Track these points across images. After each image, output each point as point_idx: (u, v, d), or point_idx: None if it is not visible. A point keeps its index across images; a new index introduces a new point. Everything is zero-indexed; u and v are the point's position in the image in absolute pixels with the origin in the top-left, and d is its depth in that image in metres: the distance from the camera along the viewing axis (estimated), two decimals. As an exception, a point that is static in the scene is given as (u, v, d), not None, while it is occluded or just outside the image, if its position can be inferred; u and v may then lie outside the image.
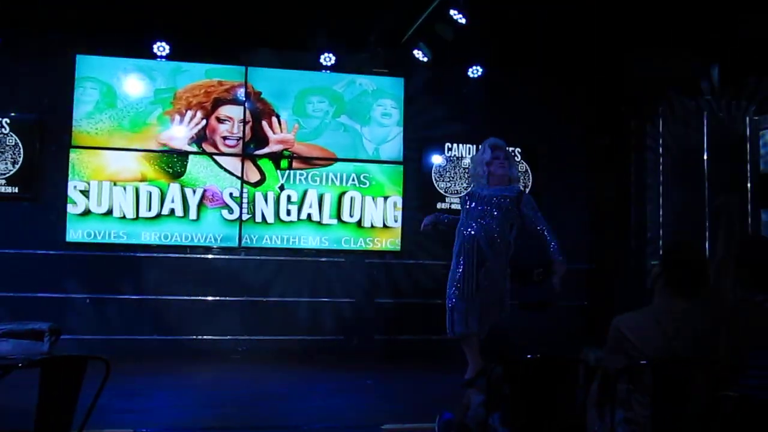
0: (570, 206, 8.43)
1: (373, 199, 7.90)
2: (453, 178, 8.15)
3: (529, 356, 3.12)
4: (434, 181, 8.10)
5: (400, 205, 7.97)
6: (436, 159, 8.15)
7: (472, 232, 5.71)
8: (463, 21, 6.76)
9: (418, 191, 8.12)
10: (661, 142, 7.68)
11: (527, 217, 5.72)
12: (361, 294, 7.93)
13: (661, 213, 7.66)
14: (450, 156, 8.18)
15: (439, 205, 8.07)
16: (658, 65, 7.22)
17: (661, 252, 7.32)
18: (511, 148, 8.21)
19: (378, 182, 7.94)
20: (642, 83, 7.56)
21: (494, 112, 8.21)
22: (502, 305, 5.72)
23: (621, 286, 7.88)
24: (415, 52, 7.57)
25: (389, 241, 7.93)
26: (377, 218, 7.91)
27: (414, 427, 4.66)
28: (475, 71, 7.99)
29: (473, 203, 5.85)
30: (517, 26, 7.16)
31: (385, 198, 7.92)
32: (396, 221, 7.96)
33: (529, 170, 8.30)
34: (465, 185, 8.19)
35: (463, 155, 8.21)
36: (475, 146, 8.21)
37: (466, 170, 8.18)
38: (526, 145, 8.32)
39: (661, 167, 7.69)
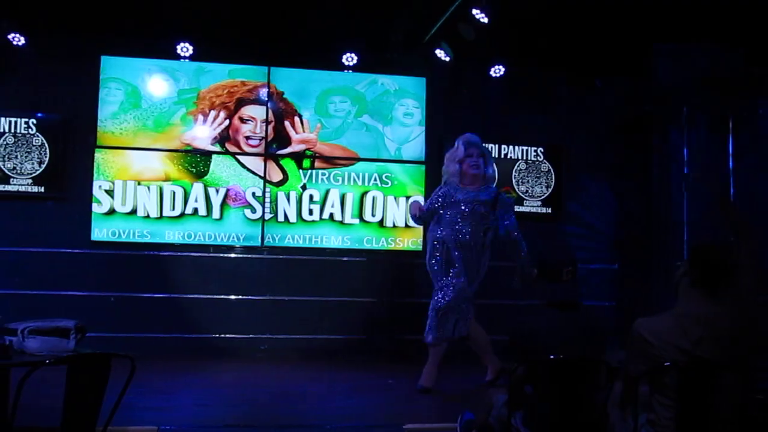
0: (595, 206, 8.40)
1: (395, 198, 7.90)
2: (475, 177, 8.12)
3: (551, 356, 3.12)
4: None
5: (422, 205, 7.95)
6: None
7: (444, 240, 5.80)
8: (486, 20, 6.74)
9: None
10: (687, 140, 7.62)
11: (501, 221, 5.83)
12: (382, 293, 7.94)
13: (686, 212, 7.60)
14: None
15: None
16: (685, 64, 7.16)
17: (687, 252, 7.27)
18: (534, 148, 8.26)
19: (400, 182, 7.94)
20: (669, 81, 7.49)
21: (516, 112, 8.20)
22: (467, 311, 5.82)
23: (647, 286, 7.82)
24: (437, 51, 7.57)
25: (411, 241, 7.93)
26: (399, 218, 7.91)
27: (435, 426, 4.65)
28: (497, 71, 7.97)
29: (446, 208, 5.88)
30: (540, 25, 7.13)
31: (407, 198, 7.92)
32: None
33: (551, 170, 8.26)
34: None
35: (486, 155, 8.18)
36: (497, 146, 8.20)
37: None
38: (549, 145, 8.29)
39: (686, 166, 7.63)
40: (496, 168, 6.31)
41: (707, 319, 2.95)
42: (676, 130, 7.73)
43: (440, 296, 5.80)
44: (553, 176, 8.28)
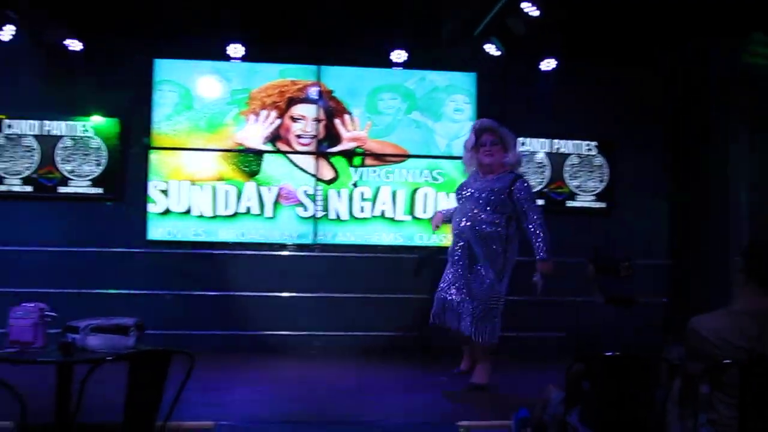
0: (648, 200, 8.26)
1: (447, 194, 7.86)
2: (526, 173, 8.04)
3: (609, 353, 3.07)
4: (508, 177, 8.01)
5: (473, 201, 7.92)
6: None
7: (462, 231, 5.61)
8: (536, 13, 6.67)
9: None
10: (745, 132, 7.43)
11: (517, 207, 5.56)
12: (433, 291, 7.90)
13: (744, 206, 7.42)
14: (524, 151, 8.09)
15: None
16: (743, 53, 6.99)
17: (743, 246, 7.10)
18: (587, 142, 8.15)
19: (451, 178, 7.90)
20: (726, 73, 7.32)
21: (568, 106, 8.09)
22: (495, 307, 5.61)
23: (703, 282, 7.66)
24: (487, 46, 7.51)
25: (463, 237, 7.89)
26: (450, 214, 7.88)
27: (490, 424, 4.63)
28: (548, 64, 7.87)
29: (463, 198, 5.71)
30: (592, 17, 7.03)
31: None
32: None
33: (605, 164, 8.14)
34: (539, 181, 8.09)
35: (537, 149, 8.11)
36: (549, 141, 8.12)
37: (540, 165, 8.09)
38: (602, 139, 8.17)
39: (744, 159, 7.45)
40: (519, 152, 5.96)
41: (764, 316, 2.87)
42: (735, 119, 7.54)
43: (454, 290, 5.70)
44: (607, 170, 8.15)
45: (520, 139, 8.03)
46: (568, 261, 7.83)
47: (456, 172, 7.91)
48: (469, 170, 5.88)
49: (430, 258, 7.92)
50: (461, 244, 5.62)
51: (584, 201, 8.11)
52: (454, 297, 5.67)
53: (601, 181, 8.13)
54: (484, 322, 5.58)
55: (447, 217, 6.09)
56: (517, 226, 5.66)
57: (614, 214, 8.15)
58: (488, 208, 5.52)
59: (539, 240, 5.50)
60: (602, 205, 8.13)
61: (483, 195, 5.56)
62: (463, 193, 5.72)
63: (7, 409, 3.09)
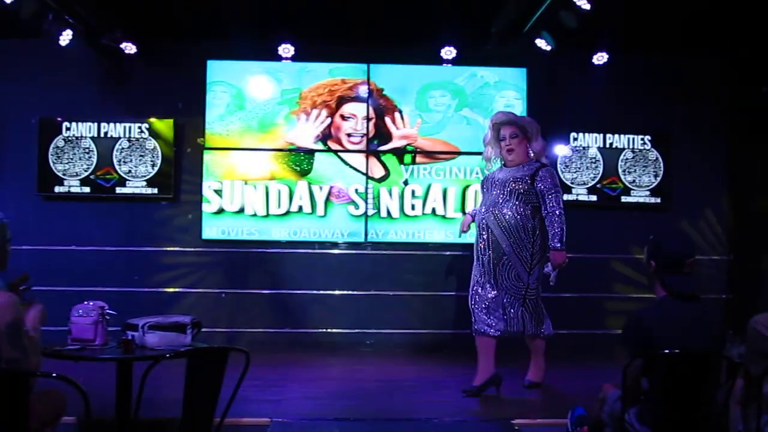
0: (707, 194, 8.08)
1: (497, 192, 7.80)
2: (579, 168, 7.96)
3: (667, 351, 3.02)
4: (560, 172, 7.92)
5: (524, 197, 7.85)
6: (562, 149, 7.98)
7: (486, 223, 5.41)
8: (588, 7, 6.57)
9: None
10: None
11: (540, 196, 5.35)
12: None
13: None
14: (576, 146, 7.99)
15: (565, 197, 7.86)
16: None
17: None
18: (641, 136, 8.00)
19: (502, 175, 7.84)
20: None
21: (621, 100, 7.98)
22: (527, 300, 5.39)
23: (764, 279, 7.47)
24: (538, 41, 7.42)
25: (515, 234, 7.82)
26: (502, 211, 7.82)
27: (545, 422, 4.58)
28: (600, 58, 7.75)
29: (488, 189, 5.52)
30: (644, 9, 6.90)
31: (510, 190, 7.81)
32: (521, 214, 7.83)
33: (660, 158, 7.98)
34: (592, 176, 7.98)
35: (590, 145, 8.00)
36: (602, 135, 8.00)
37: (593, 160, 7.97)
38: (657, 133, 8.02)
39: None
40: (543, 141, 5.65)
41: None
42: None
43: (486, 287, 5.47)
44: (662, 165, 8.00)
45: (572, 135, 7.96)
46: (624, 257, 7.77)
47: (507, 169, 7.85)
48: (490, 165, 5.73)
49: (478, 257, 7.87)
50: (485, 236, 5.44)
51: (639, 196, 7.97)
52: (489, 295, 5.42)
53: (656, 176, 7.98)
54: (534, 314, 5.46)
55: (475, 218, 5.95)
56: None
57: (670, 209, 7.99)
58: (513, 199, 5.36)
59: (554, 229, 5.30)
60: (657, 200, 7.98)
61: (507, 185, 5.40)
62: (487, 184, 5.57)
63: (70, 405, 3.18)
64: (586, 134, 8.00)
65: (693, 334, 3.12)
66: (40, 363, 3.02)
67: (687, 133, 8.01)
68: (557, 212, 5.32)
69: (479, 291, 5.46)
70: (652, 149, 8.00)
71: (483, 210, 5.51)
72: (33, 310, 3.10)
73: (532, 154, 5.55)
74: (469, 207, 7.77)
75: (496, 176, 5.53)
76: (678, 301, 3.21)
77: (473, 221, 5.80)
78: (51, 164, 7.67)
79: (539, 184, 5.36)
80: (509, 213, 5.35)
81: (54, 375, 2.64)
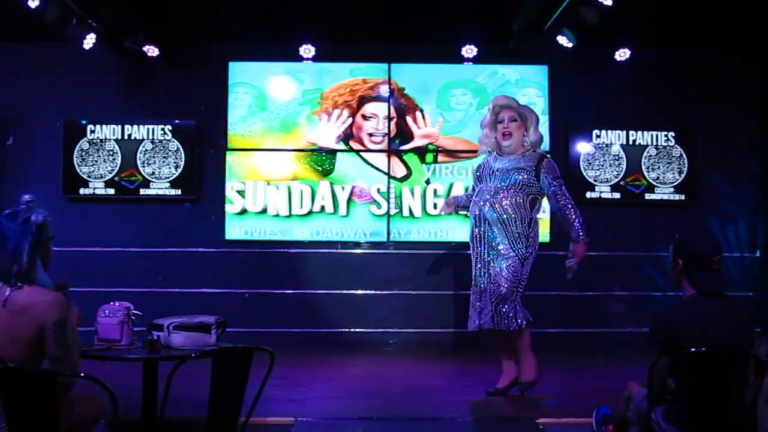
0: (733, 191, 8.00)
1: (520, 190, 7.77)
2: (602, 165, 7.90)
3: (693, 349, 2.99)
4: (582, 170, 7.89)
5: (547, 195, 7.81)
6: (584, 147, 7.93)
7: (484, 215, 5.15)
8: (609, 2, 6.52)
9: (566, 181, 7.88)
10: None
11: (546, 189, 5.14)
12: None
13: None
14: (599, 143, 7.94)
15: (588, 195, 7.86)
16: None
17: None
18: (664, 133, 7.93)
19: (524, 173, 7.81)
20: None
21: (644, 96, 7.94)
22: (516, 295, 5.09)
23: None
24: (559, 38, 7.38)
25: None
26: (525, 209, 7.79)
27: (569, 421, 4.55)
28: (622, 54, 7.70)
29: (484, 179, 5.24)
30: (666, 2, 6.84)
31: (532, 188, 7.78)
32: (544, 212, 7.78)
33: (684, 155, 7.91)
34: (615, 173, 7.92)
35: (612, 142, 7.94)
36: (624, 132, 7.95)
37: (616, 157, 7.91)
38: (681, 129, 7.95)
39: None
40: (540, 134, 5.41)
41: None
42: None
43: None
44: (686, 161, 7.92)
45: (594, 132, 7.91)
46: (648, 255, 7.71)
47: (529, 167, 7.82)
48: (483, 150, 5.43)
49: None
50: (481, 228, 5.17)
51: (663, 193, 7.90)
52: (476, 290, 5.21)
53: (681, 173, 7.91)
54: (504, 305, 5.09)
55: (460, 204, 5.64)
56: (539, 208, 5.29)
57: (696, 205, 7.91)
58: (514, 189, 5.10)
59: (576, 221, 5.08)
60: (682, 197, 7.91)
61: (507, 175, 5.13)
62: (484, 173, 5.27)
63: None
64: (609, 131, 7.94)
65: (720, 333, 3.08)
66: (78, 363, 3.06)
67: (712, 129, 7.94)
68: (570, 204, 5.13)
69: (474, 287, 5.26)
70: (676, 145, 7.93)
71: (480, 200, 5.21)
72: (71, 312, 3.15)
73: (527, 144, 5.29)
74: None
75: (493, 165, 5.23)
76: (706, 299, 3.17)
77: (458, 208, 5.62)
78: (76, 166, 7.75)
79: (545, 176, 5.14)
80: (508, 204, 5.10)
81: (82, 375, 2.67)
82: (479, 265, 5.20)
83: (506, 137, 5.21)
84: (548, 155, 5.48)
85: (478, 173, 5.35)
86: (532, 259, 5.24)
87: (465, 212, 5.67)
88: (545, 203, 5.59)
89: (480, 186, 5.27)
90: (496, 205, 5.11)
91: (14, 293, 2.92)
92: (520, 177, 5.12)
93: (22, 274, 2.95)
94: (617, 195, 7.91)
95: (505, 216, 5.10)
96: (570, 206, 5.15)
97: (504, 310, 5.10)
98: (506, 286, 5.08)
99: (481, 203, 5.18)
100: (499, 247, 5.10)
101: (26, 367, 2.86)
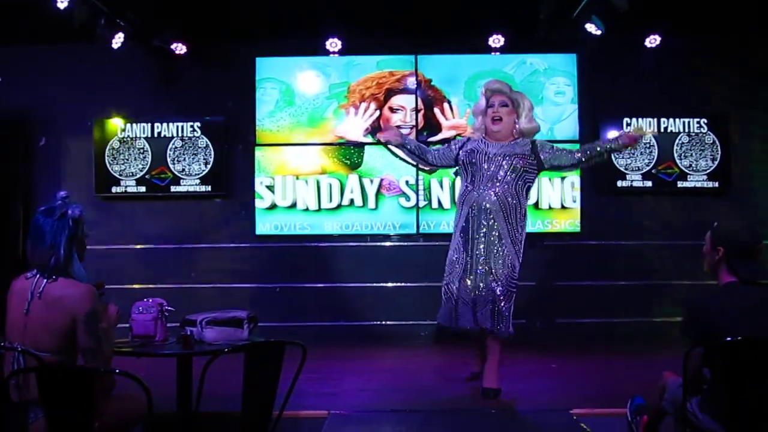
0: (768, 177, 7.87)
1: (550, 180, 7.72)
2: (633, 154, 7.81)
3: (729, 338, 2.94)
4: (613, 158, 7.78)
5: (578, 185, 7.75)
6: (614, 135, 7.82)
7: (484, 203, 4.85)
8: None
9: (597, 170, 7.83)
10: None
11: (553, 160, 4.93)
12: (541, 277, 7.81)
13: None
14: (629, 131, 7.83)
15: (619, 183, 7.78)
16: None
17: None
18: (696, 119, 7.81)
19: (554, 163, 7.75)
20: None
21: (675, 82, 7.82)
22: (514, 291, 4.89)
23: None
24: (588, 25, 7.29)
25: (568, 223, 7.74)
26: (555, 199, 7.74)
27: (604, 411, 4.52)
28: (652, 41, 7.58)
29: (479, 165, 4.90)
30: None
31: (562, 178, 7.73)
32: (575, 202, 7.75)
33: (717, 142, 7.78)
34: (647, 162, 7.82)
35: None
36: (656, 120, 7.84)
37: (647, 145, 7.82)
38: (714, 115, 7.81)
39: None
40: (536, 124, 5.19)
41: None
42: None
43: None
44: (719, 148, 7.80)
45: (625, 120, 7.81)
46: (681, 243, 7.60)
47: (559, 156, 7.75)
48: (478, 136, 5.10)
49: (533, 244, 7.80)
50: (479, 216, 4.86)
51: (696, 181, 7.79)
52: (469, 285, 4.90)
53: (714, 160, 7.79)
54: (502, 303, 4.87)
55: (408, 146, 5.17)
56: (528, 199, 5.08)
57: (730, 193, 7.79)
58: (514, 176, 4.85)
59: (592, 144, 5.06)
60: (715, 184, 7.79)
61: (507, 161, 4.86)
62: (479, 158, 4.92)
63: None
64: (640, 119, 7.83)
65: (759, 322, 3.04)
66: (111, 358, 3.11)
67: (745, 115, 7.81)
68: (579, 148, 5.12)
69: (467, 282, 4.94)
70: (709, 132, 7.81)
71: (479, 188, 4.91)
72: (110, 309, 3.23)
73: (516, 132, 5.03)
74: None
75: (489, 150, 4.93)
76: (745, 287, 3.14)
77: (399, 144, 5.16)
78: (107, 165, 7.84)
79: (544, 152, 4.93)
80: (510, 191, 4.86)
81: (117, 371, 2.71)
82: (475, 257, 4.87)
83: (496, 122, 4.96)
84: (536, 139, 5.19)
85: (472, 156, 4.96)
86: (523, 248, 5.03)
87: (407, 156, 5.31)
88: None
89: (475, 170, 4.92)
90: (499, 193, 4.86)
91: (49, 285, 3.01)
92: (521, 163, 4.89)
93: (60, 267, 3.05)
94: (649, 183, 7.82)
95: (506, 204, 4.86)
96: (585, 146, 5.06)
97: (503, 309, 4.88)
98: (506, 281, 4.88)
99: (484, 190, 4.87)
100: (501, 238, 4.85)
101: (64, 364, 2.91)
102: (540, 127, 5.32)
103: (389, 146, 4.99)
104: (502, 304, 4.89)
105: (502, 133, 4.98)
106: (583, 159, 5.03)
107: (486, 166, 4.90)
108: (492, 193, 4.87)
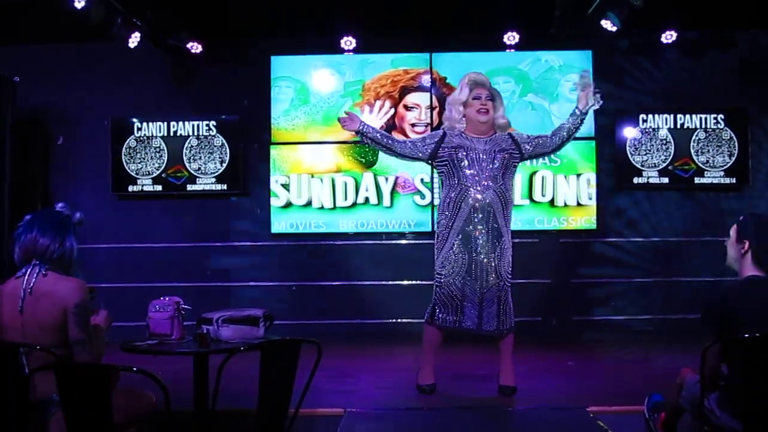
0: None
1: (566, 177, 7.70)
2: (650, 150, 7.77)
3: (746, 335, 2.92)
4: (629, 155, 7.77)
5: (593, 182, 7.72)
6: (630, 132, 7.81)
7: (484, 199, 4.77)
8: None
9: (613, 166, 7.82)
10: None
11: (534, 147, 4.91)
12: (557, 274, 7.79)
13: None
14: (645, 128, 7.81)
15: (635, 180, 7.74)
16: None
17: None
18: (713, 115, 7.76)
19: (570, 160, 7.73)
20: None
21: (691, 78, 7.77)
22: (509, 287, 4.89)
23: None
24: (603, 22, 7.25)
25: (584, 220, 7.71)
26: (570, 196, 7.71)
27: (621, 409, 4.50)
28: (668, 36, 7.54)
29: (471, 161, 4.82)
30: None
31: (578, 175, 7.70)
32: (590, 199, 7.72)
33: (734, 137, 7.72)
34: (663, 158, 7.77)
35: (659, 126, 7.80)
36: (672, 116, 7.79)
37: (664, 141, 7.77)
38: (731, 110, 7.76)
39: None
40: (506, 117, 5.10)
41: None
42: None
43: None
44: (736, 143, 7.74)
45: (641, 116, 7.78)
46: (698, 240, 7.56)
47: (575, 153, 7.74)
48: (457, 128, 4.95)
49: (550, 242, 7.79)
50: (483, 215, 4.78)
51: (713, 177, 7.73)
52: (477, 284, 4.82)
53: (731, 156, 7.74)
54: (506, 300, 4.89)
55: (367, 133, 5.01)
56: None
57: (748, 188, 7.73)
58: (506, 172, 4.83)
59: (564, 122, 4.95)
60: (732, 180, 7.74)
61: (498, 157, 4.81)
62: (470, 156, 4.82)
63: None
64: (656, 115, 7.80)
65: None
66: (101, 355, 3.14)
67: (763, 110, 7.74)
68: (553, 129, 5.03)
69: (474, 281, 4.84)
70: (726, 128, 7.75)
71: (475, 185, 4.79)
72: (101, 314, 3.29)
73: (495, 127, 4.98)
74: (536, 194, 7.71)
75: (478, 146, 4.84)
76: (766, 281, 3.13)
77: (361, 133, 4.99)
78: (124, 164, 7.88)
79: (524, 143, 4.90)
80: (505, 188, 4.83)
81: (135, 369, 2.72)
82: (479, 255, 4.80)
83: (483, 113, 4.87)
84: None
85: (459, 155, 4.83)
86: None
87: (369, 142, 5.06)
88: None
89: (465, 168, 4.82)
90: (497, 189, 4.81)
91: (39, 281, 3.05)
92: (509, 158, 4.86)
93: (65, 261, 3.11)
94: (665, 180, 7.77)
95: (504, 200, 4.84)
96: (557, 128, 4.97)
97: (508, 305, 4.90)
98: (507, 278, 4.89)
99: (480, 188, 4.79)
100: (501, 235, 4.83)
101: (79, 363, 2.94)
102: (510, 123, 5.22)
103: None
104: (507, 300, 4.90)
105: (486, 125, 4.91)
106: (562, 140, 4.97)
107: (480, 163, 4.83)
108: (492, 190, 4.81)
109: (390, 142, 5.07)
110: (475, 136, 4.90)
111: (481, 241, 4.80)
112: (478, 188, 4.80)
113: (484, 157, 4.83)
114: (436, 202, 7.66)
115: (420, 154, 5.00)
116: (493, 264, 4.83)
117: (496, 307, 4.85)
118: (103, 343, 3.25)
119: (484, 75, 5.16)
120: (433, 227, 7.72)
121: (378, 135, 5.08)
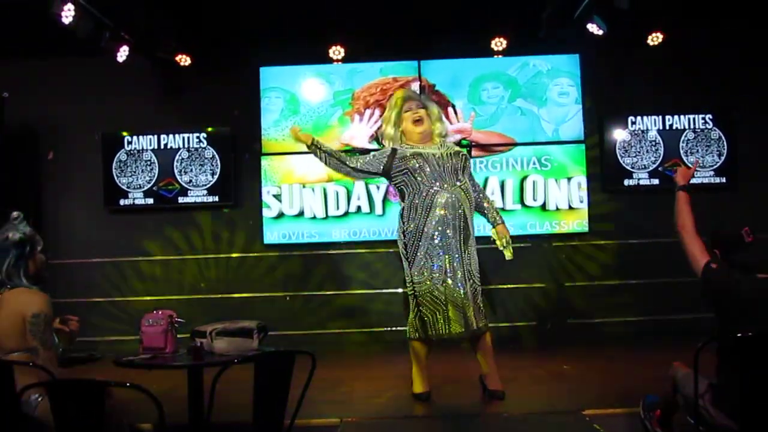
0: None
1: (557, 181, 7.73)
2: (639, 152, 7.80)
3: (739, 333, 2.93)
4: (619, 158, 7.80)
5: (584, 185, 7.74)
6: (620, 134, 7.84)
7: (451, 196, 4.76)
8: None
9: (603, 169, 7.85)
10: None
11: (469, 184, 4.94)
12: (550, 278, 7.80)
13: None
14: (634, 130, 7.84)
15: (626, 182, 7.78)
16: None
17: None
18: (701, 115, 7.80)
19: (560, 163, 7.76)
20: None
21: (679, 80, 7.81)
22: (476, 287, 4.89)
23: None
24: (589, 25, 7.29)
25: (576, 223, 7.73)
26: (562, 200, 7.73)
27: (616, 411, 4.51)
28: (654, 38, 7.58)
29: (432, 165, 4.79)
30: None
31: (569, 179, 7.73)
32: (582, 202, 7.74)
33: (723, 137, 7.77)
34: (653, 159, 7.81)
35: (648, 128, 7.83)
36: (660, 117, 7.83)
37: (653, 143, 7.80)
38: (718, 111, 7.80)
39: None
40: (445, 121, 5.22)
41: None
42: None
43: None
44: (725, 143, 7.78)
45: (630, 118, 7.81)
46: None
47: (565, 157, 7.77)
48: (399, 142, 4.97)
49: (543, 245, 7.80)
50: (453, 215, 4.76)
51: (703, 177, 7.76)
52: (460, 287, 4.81)
53: (720, 156, 7.78)
54: (479, 298, 4.93)
55: (323, 149, 5.09)
56: None
57: (737, 188, 7.76)
58: (464, 171, 4.87)
59: (493, 206, 5.10)
60: (722, 180, 7.78)
61: (453, 159, 4.84)
62: (428, 160, 4.79)
63: (143, 412, 3.26)
64: (645, 117, 7.84)
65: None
66: (52, 368, 3.16)
67: (751, 109, 7.76)
68: (483, 192, 5.15)
69: (456, 284, 4.82)
70: (715, 128, 7.80)
71: (442, 188, 4.77)
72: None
73: (437, 135, 5.00)
74: (528, 198, 7.71)
75: (428, 151, 4.84)
76: (749, 276, 3.17)
77: (310, 144, 5.08)
78: (115, 178, 7.87)
79: (466, 175, 4.92)
80: (467, 187, 4.87)
81: (128, 384, 2.71)
82: (455, 258, 4.79)
83: (417, 123, 4.89)
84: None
85: (417, 163, 4.79)
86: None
87: (322, 161, 5.11)
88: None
89: (424, 175, 4.78)
90: (463, 187, 4.83)
91: (7, 293, 3.29)
92: (461, 162, 4.87)
93: (15, 279, 3.33)
94: (656, 181, 7.81)
95: (470, 200, 4.87)
96: (483, 194, 5.09)
97: (481, 305, 4.93)
98: (478, 277, 4.95)
99: (446, 190, 4.77)
100: (470, 236, 4.88)
101: (77, 379, 2.93)
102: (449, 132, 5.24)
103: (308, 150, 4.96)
104: (479, 301, 4.94)
105: (425, 133, 4.93)
106: (476, 206, 5.01)
107: (439, 164, 4.82)
108: (459, 188, 4.82)
109: (342, 156, 5.11)
110: (423, 145, 4.92)
111: (453, 242, 4.81)
112: (445, 186, 4.79)
113: (441, 158, 4.84)
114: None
115: (372, 168, 5.00)
116: (465, 264, 4.86)
117: (475, 305, 4.88)
118: (55, 358, 3.33)
119: (409, 89, 5.18)
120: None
121: (331, 149, 5.16)
